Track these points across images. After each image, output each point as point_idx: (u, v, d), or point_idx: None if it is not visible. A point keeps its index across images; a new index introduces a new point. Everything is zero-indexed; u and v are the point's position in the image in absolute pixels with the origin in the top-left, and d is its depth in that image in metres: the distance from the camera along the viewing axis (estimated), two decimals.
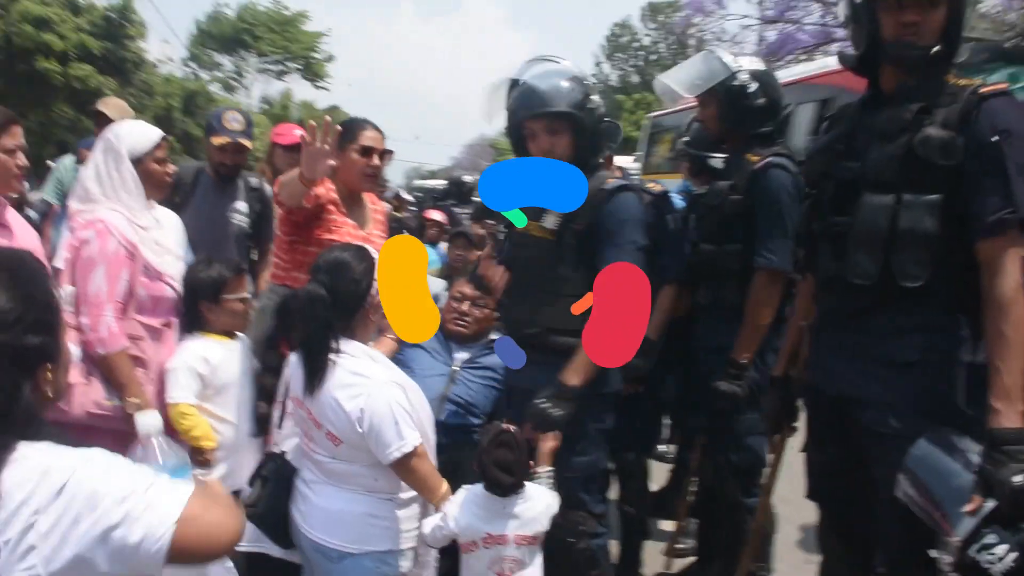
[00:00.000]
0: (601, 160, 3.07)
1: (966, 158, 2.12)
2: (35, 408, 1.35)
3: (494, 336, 3.59)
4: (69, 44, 21.06)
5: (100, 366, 2.80)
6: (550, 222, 2.83)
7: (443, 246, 6.33)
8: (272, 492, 2.64)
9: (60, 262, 3.02)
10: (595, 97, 2.87)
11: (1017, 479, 1.85)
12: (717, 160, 3.59)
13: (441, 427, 3.25)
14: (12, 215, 2.82)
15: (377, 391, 2.43)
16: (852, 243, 2.29)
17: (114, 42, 22.82)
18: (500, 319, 3.20)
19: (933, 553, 1.97)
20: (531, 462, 2.63)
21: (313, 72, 46.78)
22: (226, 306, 3.06)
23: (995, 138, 2.08)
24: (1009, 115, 2.11)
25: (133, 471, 1.34)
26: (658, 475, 5.09)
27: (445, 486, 2.58)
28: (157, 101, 25.52)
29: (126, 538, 1.26)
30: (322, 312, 2.48)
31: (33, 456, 1.28)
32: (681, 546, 4.01)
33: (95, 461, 1.32)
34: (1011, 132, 2.08)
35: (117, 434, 2.79)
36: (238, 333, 3.17)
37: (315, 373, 2.47)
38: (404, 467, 2.44)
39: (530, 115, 2.85)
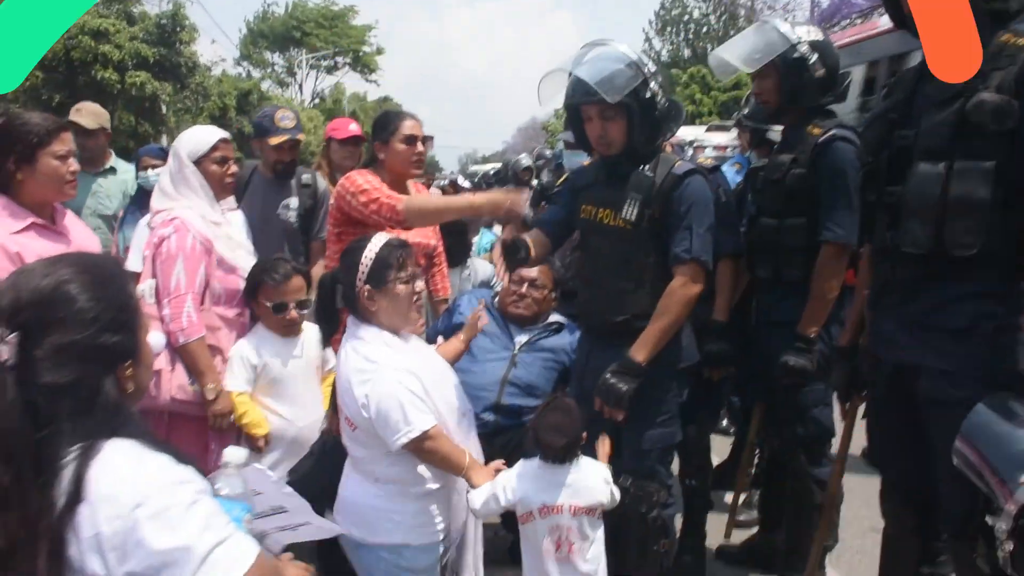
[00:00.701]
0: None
1: (1022, 122, 2.08)
2: (117, 405, 1.38)
3: (554, 318, 3.66)
4: (125, 53, 21.59)
5: (181, 354, 2.97)
6: (629, 212, 2.86)
7: (497, 229, 6.37)
8: (314, 465, 2.77)
9: (134, 263, 3.19)
10: (654, 84, 2.83)
11: None
12: (775, 133, 3.58)
13: (502, 409, 3.36)
14: (71, 220, 2.95)
15: (383, 378, 2.44)
16: (904, 212, 2.29)
17: (168, 48, 23.32)
18: (578, 309, 3.22)
19: (989, 520, 1.97)
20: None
21: (363, 65, 47.23)
22: (263, 311, 3.11)
23: None
24: None
25: (210, 516, 1.36)
26: (721, 449, 5.13)
27: (469, 457, 2.57)
28: (212, 102, 26.00)
29: None
30: (327, 296, 2.62)
31: (119, 459, 1.32)
32: (743, 517, 4.05)
33: (173, 490, 1.34)
34: None
35: (199, 420, 3.03)
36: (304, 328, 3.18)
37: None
38: (419, 450, 2.44)
39: (582, 101, 2.89)
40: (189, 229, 3.02)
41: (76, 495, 1.27)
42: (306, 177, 4.28)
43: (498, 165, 12.83)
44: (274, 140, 4.12)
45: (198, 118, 23.67)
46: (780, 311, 3.18)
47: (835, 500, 3.13)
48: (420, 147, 3.46)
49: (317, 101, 46.17)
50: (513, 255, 3.08)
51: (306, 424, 3.12)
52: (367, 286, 2.53)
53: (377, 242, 2.58)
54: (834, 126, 3.04)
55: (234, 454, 1.77)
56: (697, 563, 3.64)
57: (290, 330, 3.13)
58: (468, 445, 2.69)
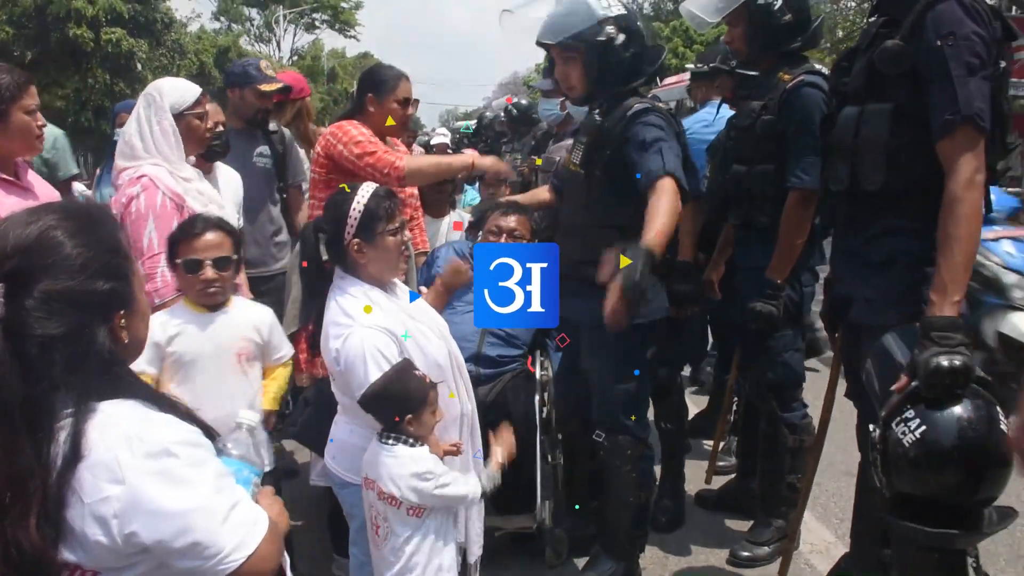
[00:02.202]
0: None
1: (917, 65, 2.19)
2: (113, 358, 1.31)
3: None
4: (99, 8, 21.16)
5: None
6: (576, 156, 2.87)
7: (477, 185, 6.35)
8: (311, 413, 2.76)
9: None
10: (612, 28, 2.81)
11: (935, 361, 1.98)
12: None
13: (483, 359, 3.38)
14: (33, 177, 2.90)
15: (355, 334, 2.41)
16: (830, 153, 2.51)
17: (142, 3, 22.89)
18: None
19: (870, 428, 2.13)
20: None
21: (342, 22, 46.51)
22: (179, 271, 2.65)
23: (938, 43, 2.13)
24: (952, 18, 2.14)
25: (221, 477, 1.34)
26: (700, 402, 5.21)
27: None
28: (189, 59, 25.62)
29: (195, 546, 1.26)
30: (313, 246, 2.58)
31: (120, 421, 1.26)
32: (722, 464, 4.11)
33: (181, 450, 1.29)
34: (955, 34, 2.12)
35: None
36: (233, 304, 2.75)
37: (311, 303, 2.61)
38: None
39: (538, 42, 2.89)
40: (158, 186, 2.90)
41: (75, 455, 1.21)
42: (272, 125, 4.26)
43: (474, 122, 12.85)
44: (265, 87, 4.08)
45: (176, 76, 23.32)
46: (750, 257, 3.23)
47: (803, 437, 3.20)
48: (410, 110, 3.52)
49: (296, 59, 45.52)
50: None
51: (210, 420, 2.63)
52: (356, 239, 2.49)
53: (365, 193, 2.54)
54: (804, 72, 3.04)
55: (248, 416, 1.71)
56: (676, 507, 3.71)
57: (210, 298, 2.66)
58: (458, 400, 2.67)
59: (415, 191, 3.89)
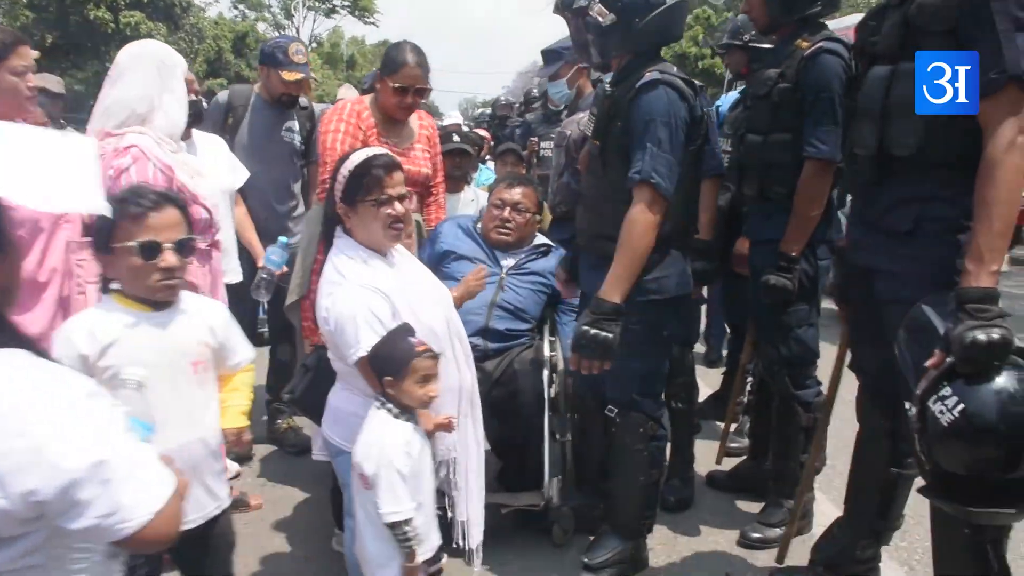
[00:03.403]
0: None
1: (960, 22, 2.06)
2: None
3: (540, 239, 3.61)
4: None
5: None
6: (587, 126, 2.80)
7: (491, 164, 6.42)
8: (312, 380, 2.69)
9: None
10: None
11: (970, 335, 1.86)
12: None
13: (490, 333, 3.33)
14: None
15: (345, 293, 2.38)
16: (857, 115, 2.37)
17: None
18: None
19: (906, 405, 2.02)
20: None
21: (362, 8, 46.43)
22: (122, 259, 2.02)
23: None
24: None
25: (123, 433, 1.24)
26: (714, 381, 5.13)
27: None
28: (207, 44, 25.65)
29: (91, 503, 1.16)
30: (329, 208, 2.56)
31: (7, 369, 1.16)
32: (734, 445, 4.04)
33: (79, 402, 1.19)
34: None
35: None
36: (183, 300, 2.18)
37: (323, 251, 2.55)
38: (366, 373, 2.36)
39: (555, 11, 2.90)
40: (148, 157, 2.79)
41: None
42: (303, 100, 4.25)
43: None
44: (288, 75, 4.04)
45: (194, 62, 23.37)
46: (765, 229, 3.13)
47: (818, 415, 3.10)
48: (410, 100, 3.41)
49: (315, 45, 45.50)
50: None
51: (173, 448, 1.87)
52: (342, 203, 2.49)
53: (356, 158, 2.51)
54: (822, 38, 2.95)
55: (133, 371, 1.63)
56: (685, 488, 3.64)
57: (167, 292, 2.08)
58: (455, 369, 2.64)
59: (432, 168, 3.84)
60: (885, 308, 2.34)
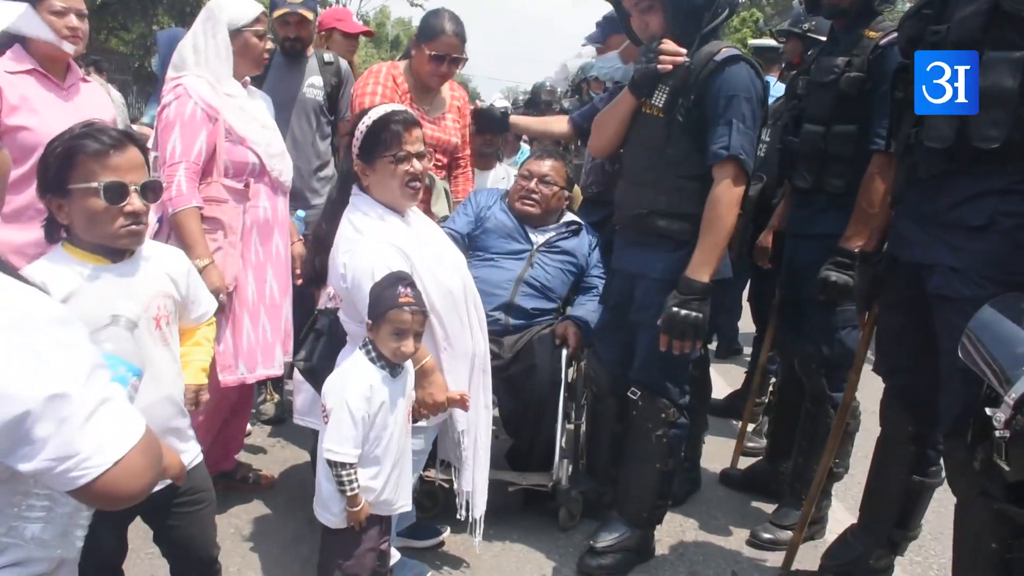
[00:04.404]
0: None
1: None
2: None
3: (571, 218, 3.53)
4: None
5: (172, 227, 2.82)
6: (660, 99, 2.71)
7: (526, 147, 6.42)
8: (325, 346, 2.63)
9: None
10: None
11: None
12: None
13: (514, 309, 3.26)
14: (91, 87, 2.97)
15: (364, 249, 2.36)
16: None
17: None
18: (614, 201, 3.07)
19: (988, 411, 1.87)
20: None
21: None
22: (80, 202, 1.81)
23: None
24: None
25: (94, 367, 1.09)
26: (735, 379, 5.04)
27: (429, 359, 2.46)
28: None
29: (45, 443, 1.02)
30: (346, 165, 2.52)
31: None
32: (751, 444, 3.95)
33: (48, 328, 1.06)
34: None
35: None
36: (142, 249, 1.97)
37: (330, 221, 2.50)
38: None
39: None
40: (191, 96, 2.86)
41: None
42: (328, 56, 4.17)
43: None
44: (277, 12, 3.99)
45: None
46: (818, 224, 3.01)
47: (848, 421, 3.00)
48: (445, 68, 3.40)
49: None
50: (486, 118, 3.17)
51: (140, 407, 1.47)
52: (359, 160, 2.47)
53: (374, 114, 2.49)
54: (893, 29, 2.83)
55: (127, 308, 1.48)
56: (688, 482, 3.55)
57: (132, 240, 1.89)
58: (469, 336, 2.60)
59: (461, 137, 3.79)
60: (940, 306, 2.22)
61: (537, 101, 9.21)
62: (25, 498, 1.10)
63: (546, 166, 3.45)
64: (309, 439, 3.12)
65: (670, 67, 2.65)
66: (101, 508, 1.15)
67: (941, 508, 2.67)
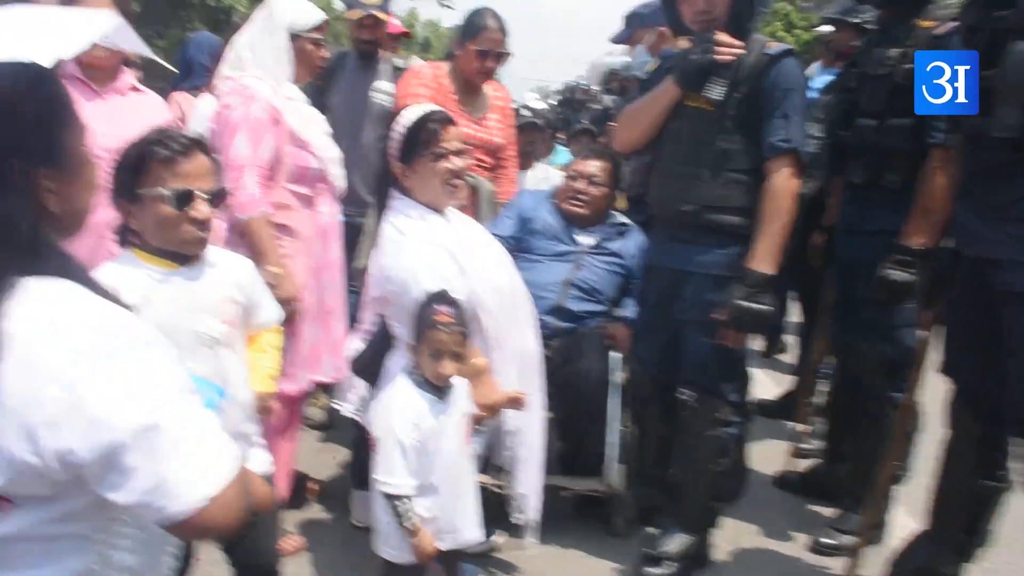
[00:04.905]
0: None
1: None
2: (33, 229, 1.02)
3: (619, 219, 3.48)
4: None
5: (241, 234, 2.70)
6: (715, 92, 2.66)
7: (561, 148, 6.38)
8: (374, 345, 2.62)
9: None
10: None
11: None
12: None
13: (562, 312, 3.22)
14: (139, 95, 2.92)
15: (409, 250, 2.35)
16: (998, 95, 2.15)
17: None
18: (649, 198, 3.03)
19: None
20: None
21: None
22: (149, 208, 1.82)
23: None
24: None
25: (184, 393, 1.04)
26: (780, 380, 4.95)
27: (481, 360, 2.40)
28: None
29: (136, 474, 0.97)
30: (383, 168, 2.52)
31: (55, 304, 0.99)
32: (806, 447, 3.87)
33: (134, 351, 1.00)
34: None
35: None
36: (209, 255, 1.97)
37: (377, 215, 2.51)
38: None
39: None
40: (255, 97, 2.76)
41: None
42: (399, 61, 4.13)
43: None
44: (353, 14, 3.96)
45: None
46: (873, 220, 2.93)
47: (909, 423, 2.91)
48: (491, 63, 3.40)
49: None
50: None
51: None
52: (398, 162, 2.47)
53: (410, 116, 2.50)
54: (947, 19, 2.75)
55: (214, 326, 1.40)
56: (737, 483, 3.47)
57: (197, 246, 1.90)
58: (518, 334, 2.58)
59: (513, 141, 3.76)
60: (1007, 302, 2.16)
61: (572, 100, 9.16)
62: (115, 525, 1.06)
63: (594, 166, 3.40)
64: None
65: (730, 58, 2.60)
66: (191, 541, 1.11)
67: (1013, 513, 2.59)
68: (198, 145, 1.89)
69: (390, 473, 2.17)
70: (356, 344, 2.87)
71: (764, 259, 2.60)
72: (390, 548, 2.26)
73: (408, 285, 2.29)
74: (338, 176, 3.04)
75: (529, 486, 2.70)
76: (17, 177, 1.00)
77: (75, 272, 1.04)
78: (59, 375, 0.93)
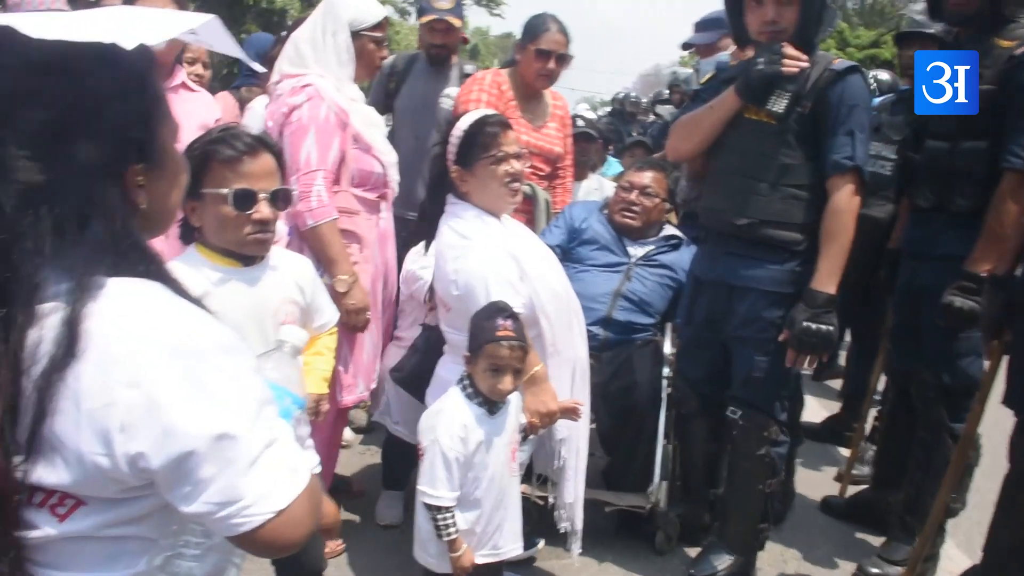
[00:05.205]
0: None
1: None
2: (125, 227, 0.98)
3: (670, 231, 3.45)
4: None
5: (309, 240, 2.63)
6: (779, 105, 2.63)
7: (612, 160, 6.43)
8: (419, 357, 2.64)
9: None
10: None
11: None
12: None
13: (612, 323, 3.19)
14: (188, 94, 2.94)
15: (476, 253, 2.34)
16: None
17: None
18: (701, 211, 3.00)
19: None
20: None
21: None
22: (211, 207, 1.83)
23: None
24: None
25: (263, 403, 1.00)
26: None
27: (540, 367, 2.38)
28: None
29: (208, 484, 0.93)
30: (438, 168, 2.51)
31: (137, 305, 0.95)
32: (854, 472, 3.79)
33: (215, 357, 0.96)
34: None
35: None
36: (271, 255, 1.98)
37: (429, 222, 2.51)
38: None
39: None
40: (323, 98, 2.67)
41: (69, 349, 0.89)
42: (470, 67, 4.10)
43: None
44: (425, 19, 3.96)
45: None
46: (941, 244, 2.84)
47: (968, 454, 2.82)
48: (552, 64, 3.39)
49: None
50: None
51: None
52: (456, 166, 2.46)
53: (467, 120, 2.50)
54: None
55: (293, 333, 1.36)
56: (783, 509, 3.41)
57: (259, 247, 1.91)
58: (572, 341, 2.57)
59: (570, 151, 3.75)
60: None
61: (622, 111, 9.16)
62: (182, 530, 1.04)
63: (647, 177, 3.37)
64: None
65: (796, 70, 2.56)
66: (258, 555, 1.08)
67: None
68: (263, 144, 1.88)
69: (432, 485, 2.15)
70: (398, 354, 2.88)
71: (827, 279, 2.57)
72: (429, 556, 2.26)
73: (475, 291, 2.29)
74: (396, 181, 3.00)
75: (576, 495, 2.67)
76: (113, 178, 0.98)
77: (160, 273, 1.01)
78: (137, 379, 0.91)
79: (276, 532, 0.97)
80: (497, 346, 2.13)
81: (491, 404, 2.22)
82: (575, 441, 2.63)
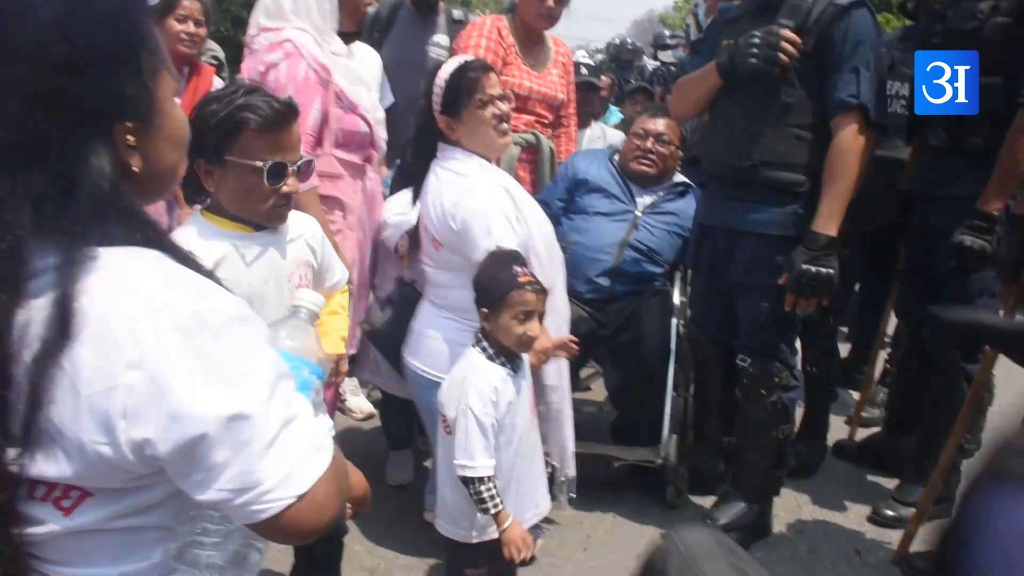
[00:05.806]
0: None
1: None
2: (115, 189, 0.87)
3: (679, 178, 3.37)
4: None
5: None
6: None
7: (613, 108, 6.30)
8: (395, 315, 2.58)
9: None
10: None
11: None
12: None
13: (619, 274, 3.12)
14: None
15: (475, 190, 2.35)
16: None
17: None
18: (702, 154, 2.94)
19: None
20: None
21: None
22: (236, 175, 1.71)
23: None
24: None
25: (279, 378, 0.91)
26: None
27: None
28: None
29: (222, 470, 0.86)
30: (424, 119, 2.48)
31: (136, 277, 0.86)
32: (865, 415, 3.77)
33: (224, 329, 0.88)
34: None
35: None
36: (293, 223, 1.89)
37: (416, 172, 2.49)
38: None
39: None
40: (302, 55, 2.51)
41: (63, 331, 0.81)
42: (457, 13, 4.00)
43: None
44: None
45: None
46: (955, 185, 2.76)
47: (982, 395, 2.79)
48: (551, 2, 3.27)
49: None
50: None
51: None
52: (443, 115, 2.44)
53: (448, 68, 2.47)
54: None
55: (309, 297, 1.25)
56: (812, 454, 3.41)
57: (279, 219, 1.82)
58: (556, 285, 2.53)
59: (573, 98, 3.66)
60: None
61: (619, 59, 8.95)
62: (199, 520, 0.97)
63: (661, 124, 3.27)
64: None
65: (789, 61, 2.50)
66: (282, 543, 1.01)
67: None
68: (293, 112, 1.76)
69: (470, 456, 2.02)
70: (374, 312, 2.80)
71: (828, 221, 2.51)
72: (458, 528, 2.15)
73: (475, 226, 2.27)
74: (384, 139, 2.88)
75: (569, 441, 2.67)
76: (101, 137, 0.87)
77: (160, 240, 0.91)
78: (139, 359, 0.82)
79: (300, 517, 0.90)
80: (523, 292, 2.06)
81: (513, 362, 2.14)
82: (562, 391, 2.63)
